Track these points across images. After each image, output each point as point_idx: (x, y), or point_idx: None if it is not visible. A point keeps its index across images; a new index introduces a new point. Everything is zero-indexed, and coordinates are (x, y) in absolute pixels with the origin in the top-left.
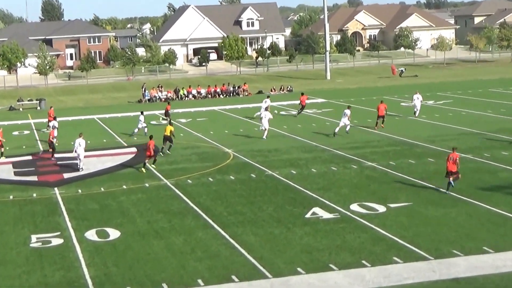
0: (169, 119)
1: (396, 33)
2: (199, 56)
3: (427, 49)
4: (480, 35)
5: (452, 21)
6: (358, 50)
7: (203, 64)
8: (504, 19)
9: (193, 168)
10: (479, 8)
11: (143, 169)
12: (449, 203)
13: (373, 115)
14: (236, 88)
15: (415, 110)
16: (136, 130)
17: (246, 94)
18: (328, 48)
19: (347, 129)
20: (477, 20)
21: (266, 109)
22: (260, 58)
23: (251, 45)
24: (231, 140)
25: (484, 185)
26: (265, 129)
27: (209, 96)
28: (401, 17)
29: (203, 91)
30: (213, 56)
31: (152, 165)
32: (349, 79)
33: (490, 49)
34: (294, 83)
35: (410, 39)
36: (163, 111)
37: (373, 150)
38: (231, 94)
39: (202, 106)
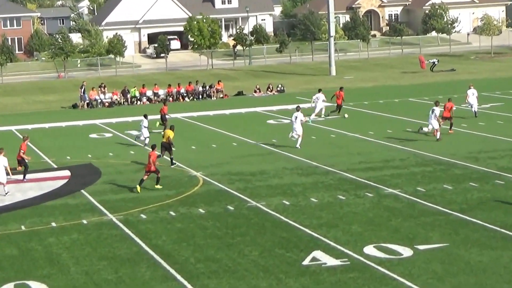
0: (165, 123)
1: (426, 11)
2: (156, 45)
3: (468, 34)
4: None
5: None
6: (374, 36)
7: (162, 55)
8: None
9: (148, 198)
10: None
11: (138, 187)
12: (500, 244)
13: (393, 123)
14: (207, 88)
15: (474, 110)
16: (142, 138)
17: (221, 96)
18: (332, 32)
19: (438, 135)
20: None
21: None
22: (239, 47)
23: (227, 29)
24: (200, 160)
25: None
26: (299, 136)
27: (170, 98)
28: None
29: (161, 92)
30: (176, 44)
31: (156, 186)
32: (361, 74)
33: None
34: (287, 81)
35: (445, 19)
36: (158, 116)
37: (395, 172)
38: (201, 96)
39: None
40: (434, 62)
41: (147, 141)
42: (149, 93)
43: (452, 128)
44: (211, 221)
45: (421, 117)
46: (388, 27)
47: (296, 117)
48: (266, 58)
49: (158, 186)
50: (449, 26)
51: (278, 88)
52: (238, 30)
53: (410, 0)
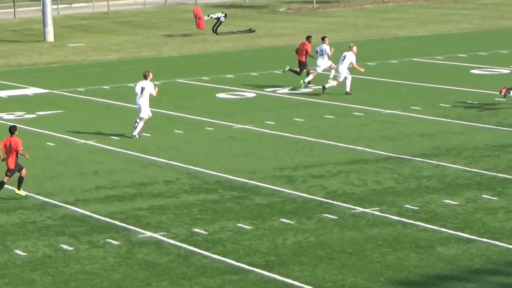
0: None
1: None
2: None
3: None
4: None
5: None
6: None
7: None
8: None
9: None
10: None
11: (20, 192)
12: None
13: (151, 121)
14: None
15: (334, 78)
16: None
17: None
18: None
19: None
20: None
21: None
22: None
23: None
24: None
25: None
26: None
27: None
28: None
29: None
30: None
31: (18, 192)
32: (98, 40)
33: None
34: None
35: None
36: None
37: (156, 202)
38: None
39: None
40: (219, 19)
41: None
42: None
43: None
44: None
45: (196, 110)
46: None
47: (143, 88)
48: None
49: (20, 192)
50: None
51: None
52: None
53: None
